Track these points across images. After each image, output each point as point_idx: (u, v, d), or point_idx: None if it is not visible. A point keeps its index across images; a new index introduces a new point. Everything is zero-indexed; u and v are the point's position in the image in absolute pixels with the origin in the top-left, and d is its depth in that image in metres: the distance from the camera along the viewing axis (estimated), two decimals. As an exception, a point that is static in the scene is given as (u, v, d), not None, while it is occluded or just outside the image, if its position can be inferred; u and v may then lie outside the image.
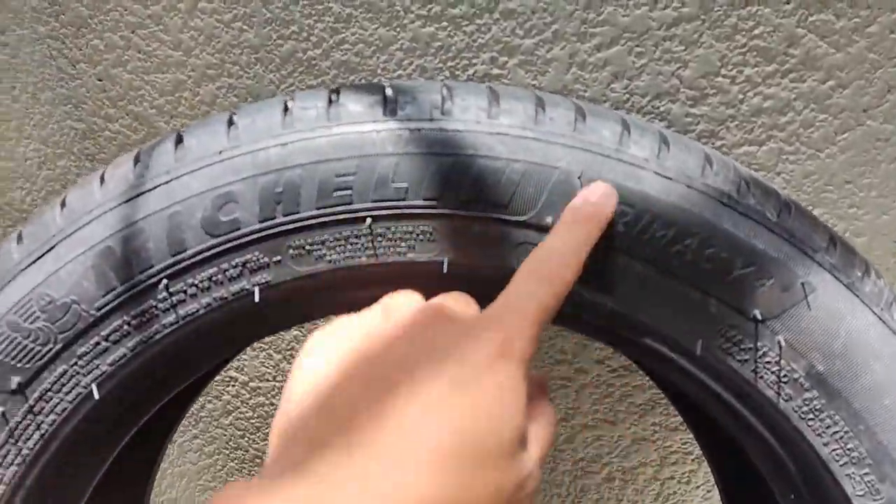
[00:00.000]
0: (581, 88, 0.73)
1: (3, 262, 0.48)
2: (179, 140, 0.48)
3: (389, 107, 0.46)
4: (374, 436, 0.30)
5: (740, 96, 0.72)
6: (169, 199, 0.46)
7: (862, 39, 0.68)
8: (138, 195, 0.46)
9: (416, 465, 0.29)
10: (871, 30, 0.68)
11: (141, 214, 0.46)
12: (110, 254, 0.46)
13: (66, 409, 0.49)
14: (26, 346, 0.47)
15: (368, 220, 0.46)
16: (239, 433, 1.09)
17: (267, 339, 1.00)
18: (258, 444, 1.09)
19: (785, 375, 0.46)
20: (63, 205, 0.48)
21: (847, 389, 0.46)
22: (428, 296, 0.42)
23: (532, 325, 0.36)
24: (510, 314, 0.36)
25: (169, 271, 0.47)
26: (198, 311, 0.48)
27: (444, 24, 0.71)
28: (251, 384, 1.03)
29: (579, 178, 0.45)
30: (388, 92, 0.47)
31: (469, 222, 0.46)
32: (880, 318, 0.46)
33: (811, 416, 0.46)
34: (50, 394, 0.49)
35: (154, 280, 0.47)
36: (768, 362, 0.46)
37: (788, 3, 0.67)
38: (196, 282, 0.47)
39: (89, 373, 0.48)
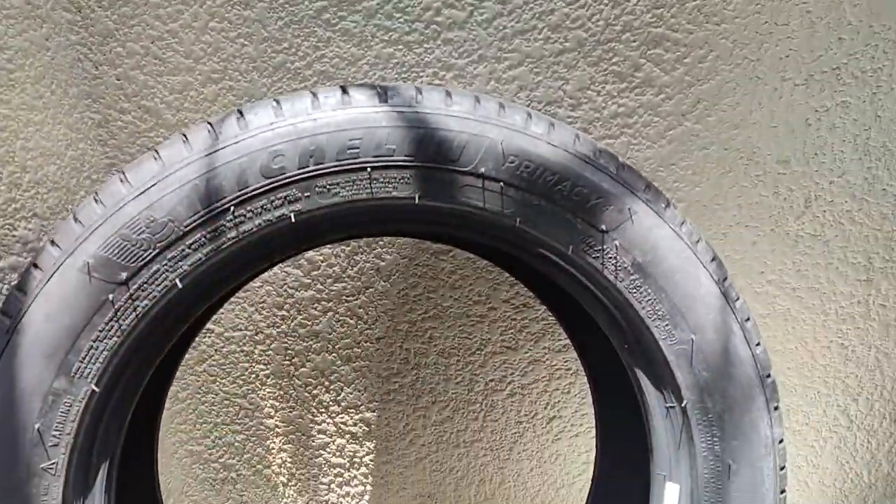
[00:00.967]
0: (496, 96, 1.01)
1: (113, 195, 0.69)
2: (241, 115, 0.71)
3: (382, 98, 0.72)
4: None
5: (602, 104, 1.03)
6: (236, 153, 0.70)
7: (681, 67, 1.01)
8: (216, 150, 0.69)
9: None
10: (686, 60, 1.00)
11: (218, 163, 0.69)
12: (196, 189, 0.69)
13: (155, 296, 0.71)
14: (133, 251, 0.69)
15: (368, 169, 0.71)
16: (211, 378, 1.28)
17: (242, 294, 1.21)
18: (227, 387, 1.29)
19: (619, 265, 0.75)
20: (157, 157, 0.70)
21: (654, 272, 0.75)
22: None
23: None
24: None
25: (235, 201, 0.70)
26: (252, 229, 0.71)
27: (401, 46, 0.98)
28: (225, 334, 1.24)
29: (501, 143, 0.72)
30: (381, 89, 0.73)
31: (432, 171, 0.72)
32: (674, 231, 0.76)
33: (634, 290, 0.76)
34: (146, 285, 0.70)
35: (224, 206, 0.70)
36: (609, 257, 0.75)
37: (634, 42, 0.99)
38: (252, 208, 0.71)
39: (175, 270, 0.70)
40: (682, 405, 0.78)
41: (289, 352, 1.22)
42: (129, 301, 0.70)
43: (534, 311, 1.18)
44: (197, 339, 1.25)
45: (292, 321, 1.20)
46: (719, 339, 0.77)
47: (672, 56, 0.99)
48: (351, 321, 1.19)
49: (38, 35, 0.94)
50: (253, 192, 0.70)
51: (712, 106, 1.02)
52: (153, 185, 0.69)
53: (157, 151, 0.71)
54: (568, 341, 1.17)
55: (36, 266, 0.68)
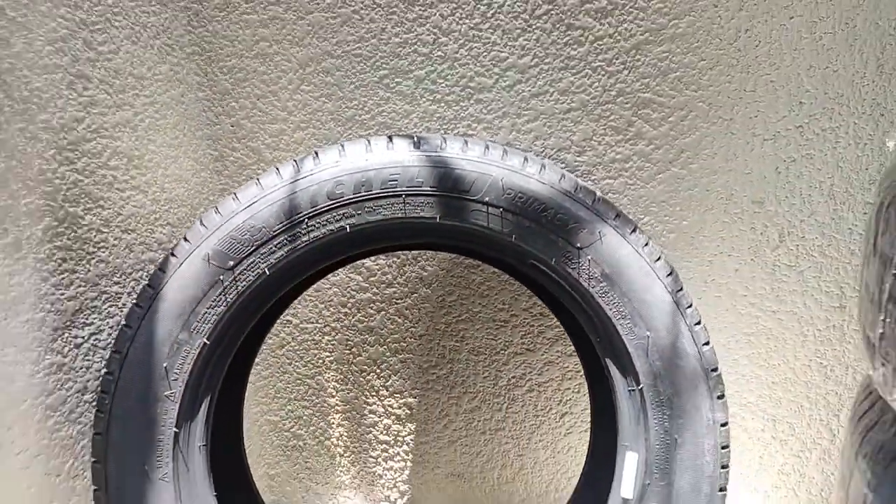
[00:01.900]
0: (517, 143, 1.25)
1: (228, 208, 0.97)
2: (316, 155, 0.98)
3: (416, 145, 0.97)
4: None
5: (603, 152, 1.25)
6: (311, 182, 0.96)
7: (666, 124, 1.21)
8: (297, 179, 0.96)
9: None
10: (671, 119, 1.21)
11: (299, 188, 0.96)
12: (282, 206, 0.96)
13: (251, 280, 0.97)
14: (238, 247, 0.96)
15: (403, 196, 0.96)
16: (287, 361, 1.55)
17: (314, 293, 1.48)
18: (299, 369, 1.55)
19: (591, 275, 0.96)
20: (258, 183, 0.98)
21: (618, 281, 0.96)
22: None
23: None
24: None
25: (308, 215, 0.96)
26: (319, 236, 0.97)
27: (443, 105, 1.24)
28: (300, 325, 1.51)
29: (501, 180, 0.95)
30: (416, 139, 0.98)
31: (450, 199, 0.96)
32: (636, 250, 0.96)
33: (603, 294, 0.96)
34: (244, 271, 0.97)
35: (300, 219, 0.96)
36: (584, 268, 0.96)
37: (627, 104, 1.20)
38: (320, 221, 0.97)
39: (265, 262, 0.97)
40: (640, 388, 0.97)
41: (349, 343, 1.48)
42: (233, 282, 0.97)
43: (549, 319, 1.38)
44: (277, 328, 1.53)
45: (352, 317, 1.46)
46: (670, 337, 0.96)
47: (658, 115, 1.20)
48: (399, 320, 1.44)
49: (177, 93, 1.25)
50: (321, 210, 0.97)
51: (694, 155, 1.22)
52: (254, 202, 0.97)
53: (258, 180, 0.99)
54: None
55: (173, 255, 0.97)
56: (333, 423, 1.57)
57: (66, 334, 0.98)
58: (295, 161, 0.99)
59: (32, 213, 0.90)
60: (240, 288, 0.97)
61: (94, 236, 1.03)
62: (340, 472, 1.60)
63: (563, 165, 1.26)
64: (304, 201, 0.96)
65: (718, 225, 1.25)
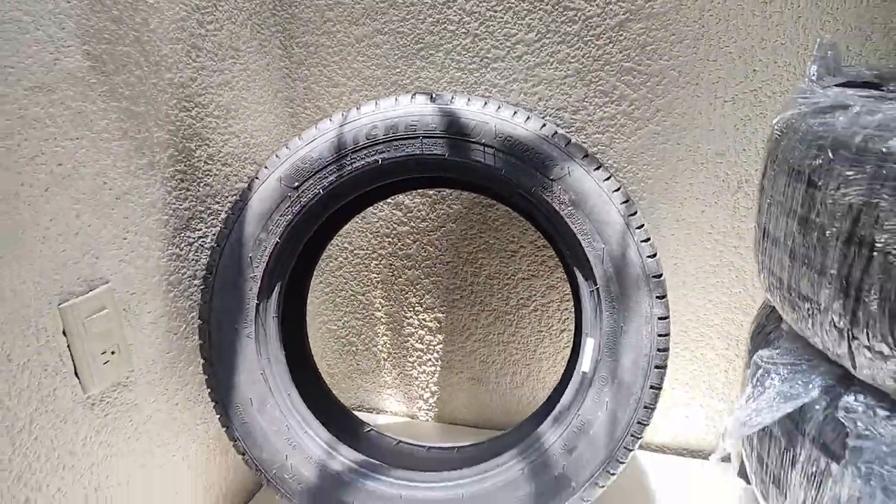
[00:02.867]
0: (524, 103, 1.52)
1: (295, 145, 1.30)
2: (358, 108, 1.29)
3: (432, 100, 1.26)
4: None
5: (593, 111, 1.49)
6: (353, 126, 1.27)
7: (644, 88, 1.45)
8: (344, 124, 1.27)
9: None
10: (648, 84, 1.44)
11: (345, 131, 1.27)
12: (332, 143, 1.27)
13: (310, 197, 1.29)
14: (301, 173, 1.28)
15: (421, 137, 1.25)
16: (343, 280, 1.89)
17: (365, 224, 1.80)
18: (354, 288, 1.88)
19: (561, 201, 1.23)
20: (317, 128, 1.30)
21: (582, 207, 1.22)
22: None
23: None
24: None
25: (351, 151, 1.27)
26: (359, 167, 1.28)
27: (465, 72, 1.52)
28: (354, 251, 1.83)
29: (495, 127, 1.23)
30: (432, 95, 1.27)
31: (456, 140, 1.25)
32: (597, 183, 1.22)
33: (569, 216, 1.23)
34: (305, 191, 1.29)
35: (345, 153, 1.27)
36: (556, 195, 1.23)
37: (612, 71, 1.45)
38: (359, 155, 1.28)
39: (319, 185, 1.29)
40: (597, 288, 1.24)
41: (392, 267, 1.80)
42: (297, 198, 1.30)
43: (549, 250, 1.65)
44: (335, 252, 1.86)
45: (394, 246, 1.77)
46: (620, 249, 1.22)
47: (637, 81, 1.44)
48: (430, 249, 1.74)
49: (263, 63, 1.59)
50: (361, 147, 1.27)
51: (667, 114, 1.44)
52: (313, 140, 1.29)
53: (316, 124, 1.31)
54: (571, 273, 1.62)
55: (256, 178, 1.30)
56: (379, 333, 1.90)
57: (183, 234, 1.34)
58: (343, 113, 1.30)
59: (161, 143, 1.25)
60: (302, 202, 1.30)
61: (203, 166, 1.39)
62: (385, 373, 1.94)
63: (560, 122, 1.52)
64: (349, 140, 1.27)
65: (688, 173, 1.48)
